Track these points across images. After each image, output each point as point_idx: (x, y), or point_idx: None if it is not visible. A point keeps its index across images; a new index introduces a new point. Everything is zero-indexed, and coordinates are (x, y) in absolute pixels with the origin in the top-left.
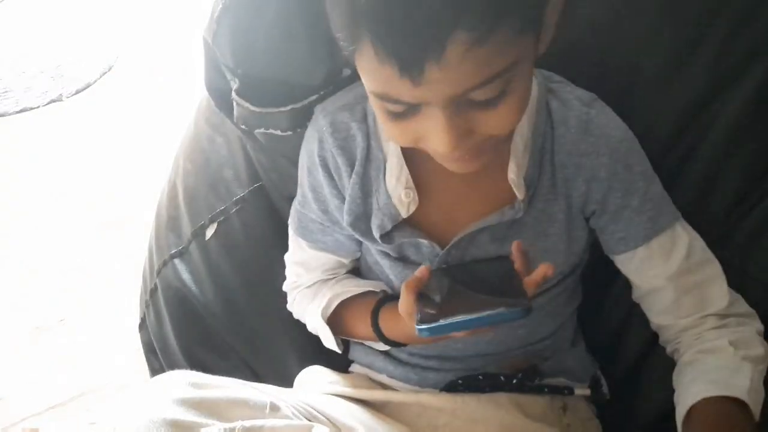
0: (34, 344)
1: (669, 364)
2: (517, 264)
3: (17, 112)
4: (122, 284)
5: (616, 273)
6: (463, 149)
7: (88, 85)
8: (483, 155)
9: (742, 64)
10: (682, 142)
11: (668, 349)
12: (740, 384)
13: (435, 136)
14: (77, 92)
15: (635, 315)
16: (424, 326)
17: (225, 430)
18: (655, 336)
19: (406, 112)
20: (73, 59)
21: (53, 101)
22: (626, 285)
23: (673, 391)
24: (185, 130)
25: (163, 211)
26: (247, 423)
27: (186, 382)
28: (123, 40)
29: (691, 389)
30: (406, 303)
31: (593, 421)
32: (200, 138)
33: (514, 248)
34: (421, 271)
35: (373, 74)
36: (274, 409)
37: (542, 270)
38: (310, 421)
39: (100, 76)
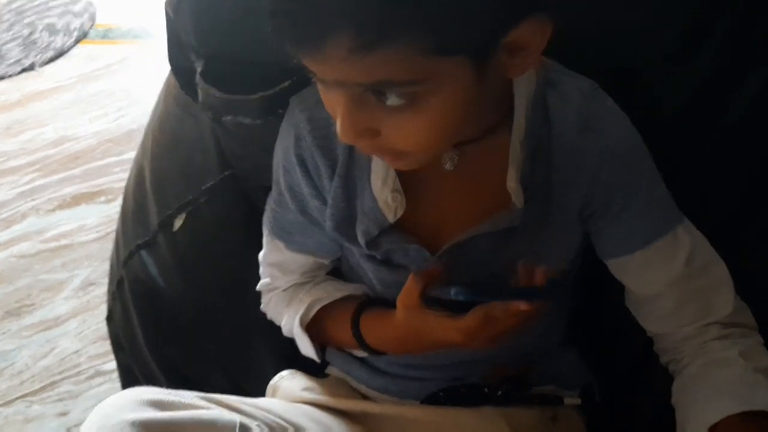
0: (8, 324)
1: (666, 373)
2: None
3: None
4: (95, 260)
5: (611, 276)
6: (371, 147)
7: (61, 53)
8: (407, 159)
9: (751, 54)
10: (686, 136)
11: (664, 359)
12: (762, 395)
13: (338, 122)
14: (51, 60)
15: (630, 321)
16: (460, 288)
17: None
18: (650, 342)
19: (322, 82)
20: (45, 27)
21: (26, 70)
22: (621, 288)
23: (669, 399)
24: (154, 108)
25: (130, 196)
26: None
27: (145, 401)
28: (97, 6)
29: (709, 406)
30: (410, 295)
31: (584, 430)
32: (169, 118)
33: (520, 269)
34: (434, 266)
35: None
36: (244, 429)
37: (540, 274)
38: None
39: (75, 44)
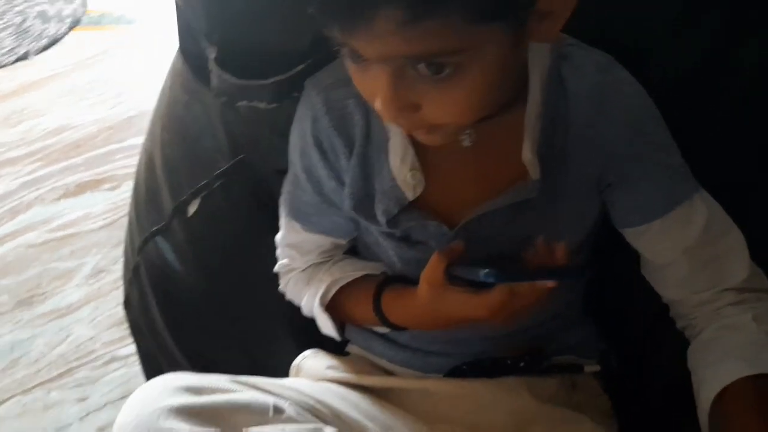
0: (20, 314)
1: (681, 337)
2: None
3: None
4: (103, 248)
5: (624, 244)
6: (411, 122)
7: (55, 41)
8: (443, 133)
9: (760, 16)
10: (697, 102)
11: (679, 324)
12: None
13: (379, 99)
14: (45, 48)
15: (644, 287)
16: (490, 270)
17: None
18: (665, 308)
19: (360, 61)
20: (37, 14)
21: (20, 59)
22: (634, 256)
23: (685, 362)
24: (160, 94)
25: (141, 183)
26: (253, 430)
27: (180, 388)
28: None
29: (721, 369)
30: (435, 272)
31: (603, 396)
32: (176, 105)
33: (538, 246)
34: (457, 243)
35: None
36: (278, 411)
37: (561, 250)
38: (313, 415)
39: (68, 31)
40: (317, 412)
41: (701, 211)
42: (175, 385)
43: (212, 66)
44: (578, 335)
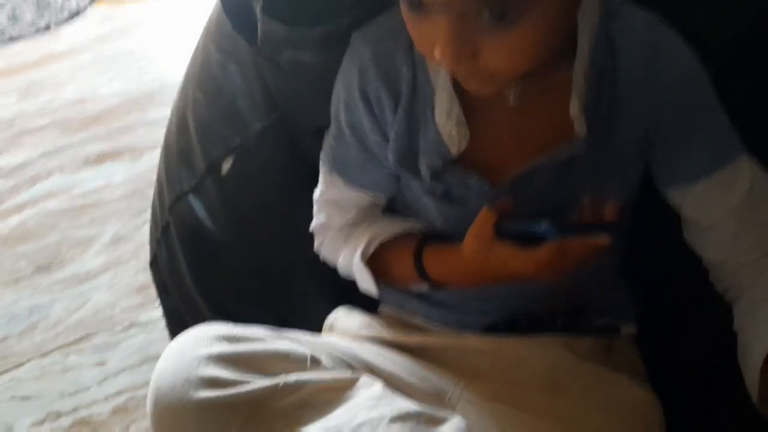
0: (39, 279)
1: (719, 303)
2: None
3: (4, 43)
4: (123, 216)
5: (662, 209)
6: (467, 70)
7: (77, 14)
8: (495, 83)
9: None
10: (744, 67)
11: (720, 287)
12: None
13: (438, 48)
14: (66, 21)
15: (683, 251)
16: (550, 223)
17: (269, 387)
18: (704, 273)
19: (418, 7)
20: None
21: (41, 31)
22: (674, 221)
23: (724, 329)
24: (193, 56)
25: (172, 143)
26: (291, 378)
27: (219, 336)
28: None
29: None
30: (484, 227)
31: (639, 360)
32: (210, 65)
33: (585, 204)
34: (507, 200)
35: None
36: (315, 362)
37: (611, 209)
38: (349, 368)
39: (89, 4)
40: (352, 367)
41: (746, 174)
42: (213, 334)
43: (259, 15)
44: (614, 297)
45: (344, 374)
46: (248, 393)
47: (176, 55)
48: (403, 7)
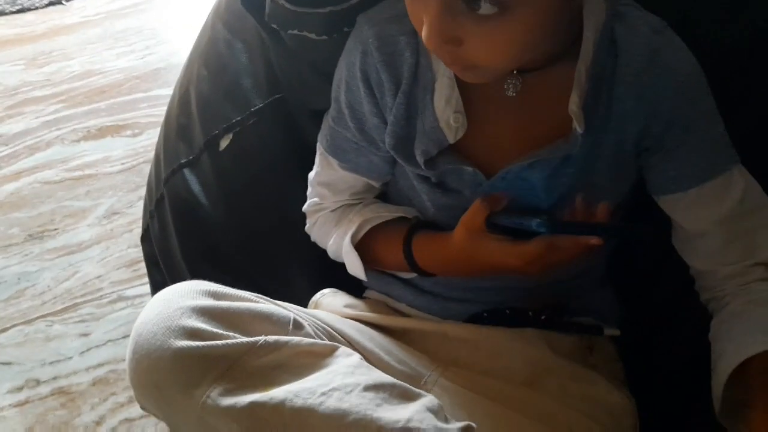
0: (30, 247)
1: (703, 312)
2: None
3: (14, 12)
4: (119, 191)
5: (654, 214)
6: (450, 56)
7: None
8: (479, 73)
9: None
10: (743, 80)
11: (704, 296)
12: None
13: (425, 26)
14: None
15: (671, 259)
16: (543, 219)
17: (247, 343)
18: (688, 282)
19: None
20: None
21: (53, 3)
22: (664, 226)
23: (703, 338)
24: (200, 33)
25: (173, 117)
26: (271, 338)
27: (204, 291)
28: None
29: (746, 341)
30: (475, 218)
31: (618, 363)
32: (217, 42)
33: (578, 203)
34: (501, 194)
35: None
36: (297, 326)
37: (603, 209)
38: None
39: None
40: (333, 338)
41: (738, 184)
42: (201, 289)
43: None
44: (600, 298)
45: (323, 342)
46: (226, 347)
47: (184, 35)
48: None
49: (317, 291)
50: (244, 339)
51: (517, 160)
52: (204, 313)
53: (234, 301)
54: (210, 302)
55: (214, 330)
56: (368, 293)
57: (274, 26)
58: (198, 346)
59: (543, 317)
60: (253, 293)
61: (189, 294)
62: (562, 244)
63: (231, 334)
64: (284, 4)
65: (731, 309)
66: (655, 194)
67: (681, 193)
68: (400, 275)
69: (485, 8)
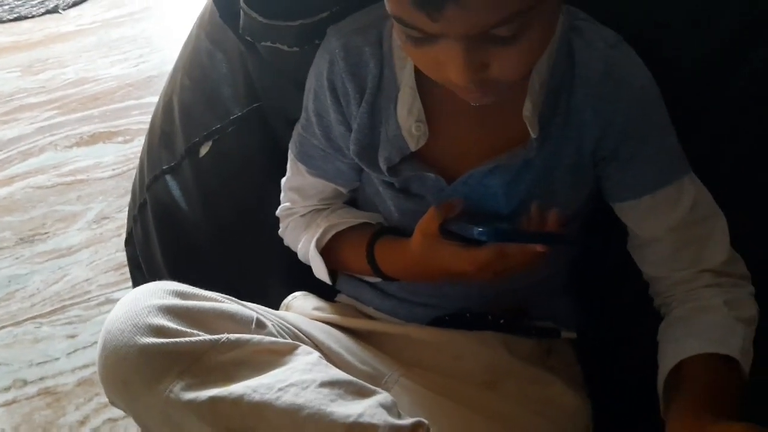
0: (21, 250)
1: (657, 317)
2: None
3: (11, 20)
4: (109, 196)
5: (614, 222)
6: (478, 84)
7: None
8: (498, 91)
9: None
10: (702, 94)
11: (656, 302)
12: (734, 343)
13: (452, 68)
14: (74, 4)
15: (630, 265)
16: (485, 228)
17: (210, 341)
18: (645, 287)
19: (425, 39)
20: None
21: (49, 12)
22: (623, 234)
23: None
24: (185, 43)
25: (156, 125)
26: (233, 336)
27: (172, 291)
28: None
29: (684, 344)
30: (430, 224)
31: (577, 366)
32: (200, 53)
33: (533, 211)
34: (456, 200)
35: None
36: (260, 325)
37: (554, 218)
38: (294, 340)
39: None
40: (297, 339)
41: (689, 193)
42: (168, 288)
43: (242, 4)
44: (559, 304)
45: (284, 341)
46: (188, 344)
47: (177, 44)
48: (402, 39)
49: (292, 293)
50: (207, 336)
51: (477, 166)
52: (170, 311)
53: (199, 300)
54: (176, 301)
55: (179, 328)
56: (339, 297)
57: (248, 38)
58: (162, 343)
59: (502, 321)
60: (219, 294)
61: (157, 293)
62: (511, 251)
63: (195, 332)
64: (256, 17)
65: (677, 313)
66: (610, 201)
67: (634, 200)
68: (367, 279)
69: (506, 33)
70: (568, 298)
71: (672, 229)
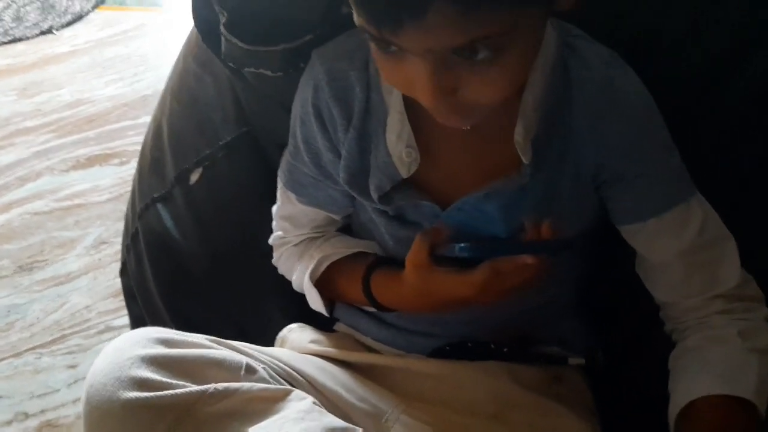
0: (20, 279)
1: (668, 340)
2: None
3: (6, 43)
4: (107, 220)
5: (622, 242)
6: (448, 106)
7: (79, 18)
8: (476, 114)
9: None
10: (700, 109)
11: (667, 326)
12: (748, 381)
13: (419, 87)
14: (68, 24)
15: (638, 286)
16: (466, 244)
17: (196, 392)
18: (656, 309)
19: (396, 51)
20: None
21: (43, 33)
22: (632, 255)
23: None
24: (174, 66)
25: (147, 151)
26: (221, 386)
27: (156, 339)
28: None
29: (696, 382)
30: (419, 254)
31: (587, 393)
32: (188, 76)
33: (527, 225)
34: (441, 225)
35: (356, 13)
36: (250, 371)
37: (546, 229)
38: (288, 382)
39: (92, 9)
40: (292, 379)
41: (696, 215)
42: (152, 337)
43: (223, 31)
44: (566, 328)
45: (274, 386)
46: (175, 396)
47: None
48: (374, 48)
49: (290, 320)
50: (194, 387)
51: (472, 192)
52: (154, 362)
53: (186, 348)
54: (161, 350)
55: (164, 379)
56: (338, 326)
57: (231, 65)
58: (146, 397)
59: (506, 349)
60: (208, 337)
61: (140, 342)
62: (504, 268)
63: (181, 382)
64: (237, 42)
65: (688, 343)
66: (617, 224)
67: (640, 223)
68: (365, 308)
69: (483, 54)
70: (576, 321)
71: (682, 253)
